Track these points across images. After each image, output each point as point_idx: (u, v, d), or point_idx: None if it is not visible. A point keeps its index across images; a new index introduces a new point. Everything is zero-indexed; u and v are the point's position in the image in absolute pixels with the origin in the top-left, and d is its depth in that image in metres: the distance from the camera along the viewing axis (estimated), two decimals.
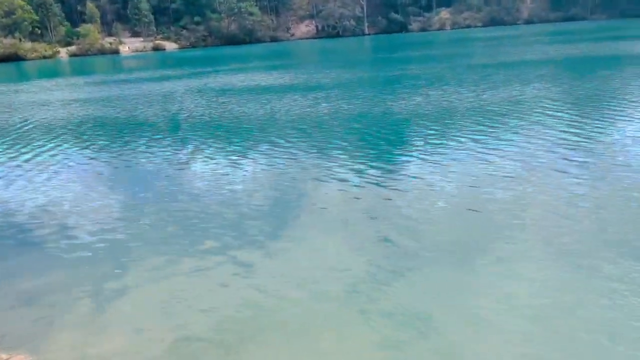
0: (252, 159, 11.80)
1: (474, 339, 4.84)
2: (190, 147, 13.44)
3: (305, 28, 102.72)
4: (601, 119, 13.38)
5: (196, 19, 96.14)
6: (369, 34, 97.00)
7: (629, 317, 4.96)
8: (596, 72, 22.78)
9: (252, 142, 13.51)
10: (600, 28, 61.52)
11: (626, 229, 6.76)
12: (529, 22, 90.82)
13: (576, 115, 13.98)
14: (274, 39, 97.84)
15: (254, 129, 15.38)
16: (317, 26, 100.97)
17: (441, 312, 5.27)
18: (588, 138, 11.43)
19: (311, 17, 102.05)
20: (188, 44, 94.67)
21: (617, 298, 5.26)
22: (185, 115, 18.84)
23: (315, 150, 12.11)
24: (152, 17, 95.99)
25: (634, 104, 14.99)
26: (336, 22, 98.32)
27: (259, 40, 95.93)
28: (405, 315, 5.27)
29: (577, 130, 12.17)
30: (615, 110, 14.36)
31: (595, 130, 12.17)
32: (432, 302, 5.47)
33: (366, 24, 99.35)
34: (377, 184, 9.32)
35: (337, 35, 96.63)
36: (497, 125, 13.43)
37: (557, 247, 6.43)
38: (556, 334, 4.83)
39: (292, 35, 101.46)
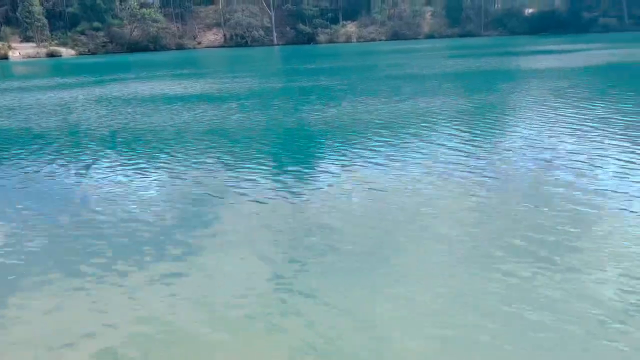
0: (157, 172, 11.26)
1: (379, 346, 4.95)
2: (89, 161, 12.50)
3: (212, 36, 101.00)
4: (498, 128, 14.23)
5: (95, 24, 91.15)
6: (277, 44, 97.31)
7: (522, 310, 5.34)
8: (493, 85, 24.32)
9: (158, 155, 12.85)
10: (493, 44, 66.18)
11: (516, 232, 7.17)
12: (429, 36, 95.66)
13: (477, 126, 14.74)
14: (180, 47, 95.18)
15: (161, 140, 14.66)
16: (225, 35, 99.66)
17: (346, 322, 5.31)
18: (487, 147, 12.14)
19: (218, 25, 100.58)
20: (87, 50, 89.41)
21: (513, 295, 5.56)
22: (85, 126, 17.58)
23: (225, 163, 11.81)
24: (45, 21, 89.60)
25: (527, 114, 16.10)
26: (244, 32, 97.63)
27: (164, 48, 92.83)
28: (312, 329, 5.22)
29: (480, 140, 12.85)
30: (510, 120, 15.34)
31: (493, 139, 12.90)
32: (337, 314, 5.46)
33: (275, 35, 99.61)
34: (285, 196, 9.24)
35: (246, 45, 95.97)
36: (405, 135, 13.87)
37: (457, 251, 6.71)
38: (459, 333, 5.03)
39: (199, 43, 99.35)
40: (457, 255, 6.62)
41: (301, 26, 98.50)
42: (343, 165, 11.07)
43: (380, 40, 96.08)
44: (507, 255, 6.56)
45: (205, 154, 12.72)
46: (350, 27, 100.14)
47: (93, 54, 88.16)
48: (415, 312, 5.46)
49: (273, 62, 55.35)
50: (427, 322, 5.28)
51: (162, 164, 11.89)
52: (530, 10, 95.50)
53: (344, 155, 11.99)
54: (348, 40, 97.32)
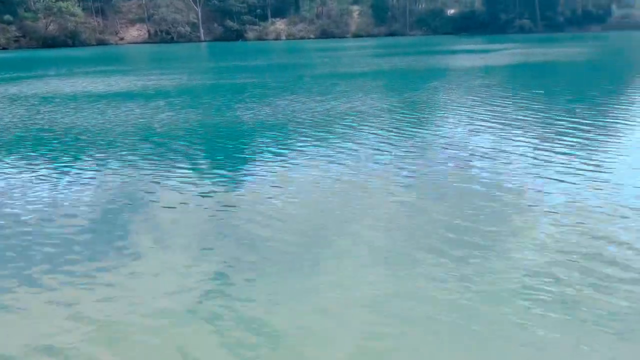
0: (82, 173, 10.81)
1: (308, 341, 5.07)
2: (6, 164, 11.76)
3: (136, 32, 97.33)
4: (420, 127, 14.77)
5: (6, 17, 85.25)
6: (204, 41, 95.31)
7: (444, 305, 5.58)
8: (417, 83, 25.14)
9: (83, 156, 12.31)
10: (417, 43, 68.27)
11: (435, 233, 7.44)
12: (356, 35, 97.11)
13: (401, 125, 15.21)
14: (101, 43, 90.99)
15: (85, 141, 14.02)
16: (149, 31, 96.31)
17: (277, 319, 5.40)
18: (410, 146, 12.56)
19: (142, 21, 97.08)
20: None
21: (431, 298, 5.78)
22: None
23: (154, 162, 11.51)
24: None
25: (448, 112, 16.81)
26: (170, 27, 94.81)
27: (83, 44, 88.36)
28: (249, 327, 5.27)
29: (403, 139, 13.27)
30: (432, 118, 15.97)
31: (416, 138, 13.37)
32: (269, 311, 5.56)
33: (202, 31, 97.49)
34: (216, 196, 9.17)
35: (172, 41, 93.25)
36: (330, 135, 14.03)
37: (378, 254, 6.83)
38: (380, 340, 5.12)
39: (122, 39, 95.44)
40: (378, 258, 6.69)
41: (229, 23, 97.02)
42: (269, 166, 11.05)
43: (310, 38, 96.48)
44: (427, 256, 6.67)
45: (131, 154, 12.29)
46: (280, 25, 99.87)
47: (4, 49, 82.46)
48: (334, 319, 5.43)
49: (200, 58, 54.19)
50: (345, 328, 5.27)
51: (84, 166, 11.37)
52: (452, 11, 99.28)
53: (271, 155, 11.98)
54: (277, 37, 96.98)
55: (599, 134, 13.13)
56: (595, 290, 5.75)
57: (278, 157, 11.72)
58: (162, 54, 63.09)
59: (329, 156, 11.67)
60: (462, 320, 5.32)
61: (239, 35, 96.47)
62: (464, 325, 5.23)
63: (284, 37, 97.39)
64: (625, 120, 14.82)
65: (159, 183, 10.01)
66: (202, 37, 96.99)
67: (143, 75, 33.76)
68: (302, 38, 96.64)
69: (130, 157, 11.99)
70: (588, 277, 6.03)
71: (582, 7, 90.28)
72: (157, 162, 11.59)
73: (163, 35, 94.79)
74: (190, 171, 10.79)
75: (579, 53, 42.82)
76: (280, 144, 12.99)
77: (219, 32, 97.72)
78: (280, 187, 9.58)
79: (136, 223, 8.06)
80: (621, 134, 13.15)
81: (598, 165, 10.30)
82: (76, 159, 12.11)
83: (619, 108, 17.04)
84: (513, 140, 12.74)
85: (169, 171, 10.80)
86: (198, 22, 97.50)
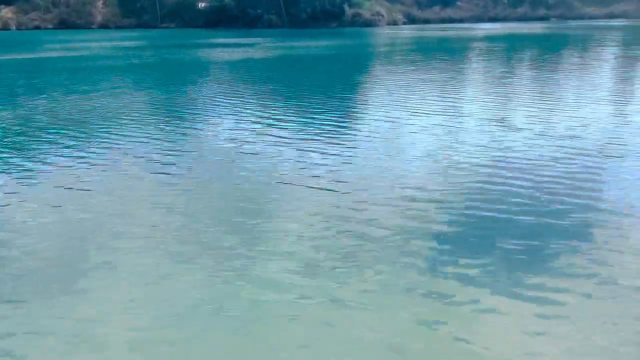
0: None
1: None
2: None
3: None
4: (183, 124, 14.41)
5: None
6: None
7: (226, 310, 5.46)
8: (175, 78, 24.42)
9: None
10: (170, 36, 66.52)
11: (220, 227, 7.39)
12: (103, 26, 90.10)
13: (168, 121, 14.58)
14: None
15: None
16: None
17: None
18: (177, 142, 12.15)
19: None
20: None
21: (208, 297, 5.70)
22: None
23: None
24: None
25: (207, 107, 16.72)
26: None
27: None
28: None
29: (168, 135, 12.74)
30: (191, 114, 15.71)
31: (182, 135, 12.98)
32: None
33: None
34: None
35: None
36: (90, 134, 12.94)
37: (148, 256, 6.60)
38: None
39: None
40: (147, 262, 6.44)
41: None
42: (28, 166, 9.91)
43: (47, 28, 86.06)
44: (198, 255, 6.57)
45: None
46: (6, 12, 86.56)
47: None
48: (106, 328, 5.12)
49: None
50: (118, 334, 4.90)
51: None
52: (203, 4, 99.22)
53: (33, 155, 10.77)
54: (5, 27, 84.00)
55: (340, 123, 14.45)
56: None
57: (37, 159, 10.60)
58: None
59: (94, 156, 10.96)
60: (247, 314, 5.19)
61: None
62: (249, 319, 5.11)
63: (13, 27, 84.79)
64: (363, 109, 16.64)
65: None
66: None
67: None
68: (37, 28, 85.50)
69: None
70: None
71: (320, 5, 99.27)
72: None
73: None
74: None
75: (326, 46, 46.98)
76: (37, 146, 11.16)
77: None
78: (45, 190, 8.82)
79: None
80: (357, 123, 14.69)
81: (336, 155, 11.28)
82: None
83: (358, 97, 19.08)
84: (271, 133, 13.18)
85: None
86: None
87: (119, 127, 13.94)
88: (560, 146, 11.44)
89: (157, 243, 6.96)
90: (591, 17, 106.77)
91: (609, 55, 34.87)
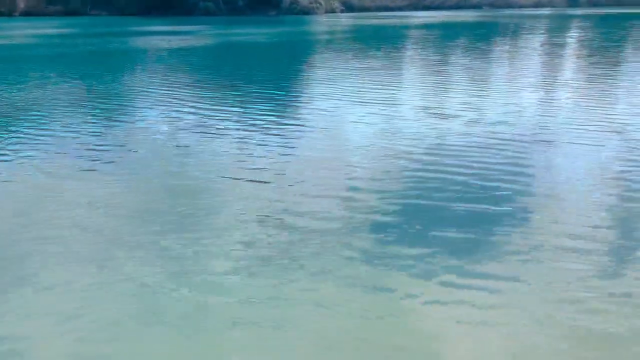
0: None
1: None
2: None
3: None
4: (120, 112, 13.82)
5: None
6: None
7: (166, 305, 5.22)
8: (130, 65, 23.37)
9: None
10: (103, 23, 63.73)
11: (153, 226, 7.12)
12: (27, 14, 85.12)
13: (95, 112, 13.93)
14: None
15: None
16: None
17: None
18: (110, 134, 11.58)
19: None
20: None
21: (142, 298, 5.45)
22: None
23: None
24: None
25: (142, 95, 16.11)
26: None
27: None
28: None
29: (104, 126, 12.18)
30: (129, 103, 15.09)
31: (118, 125, 12.43)
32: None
33: None
34: None
35: None
36: (25, 126, 12.03)
37: (75, 251, 6.20)
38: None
39: None
40: (75, 269, 6.09)
41: None
42: None
43: None
44: (132, 254, 6.33)
45: None
46: None
47: None
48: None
49: None
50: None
51: None
52: None
53: None
54: None
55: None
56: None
57: None
58: None
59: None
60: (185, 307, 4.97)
61: None
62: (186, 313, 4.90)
63: None
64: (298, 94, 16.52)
65: None
66: None
67: None
68: None
69: None
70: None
71: None
72: None
73: None
74: None
75: (265, 34, 46.32)
76: None
77: None
78: None
79: None
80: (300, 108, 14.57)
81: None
82: None
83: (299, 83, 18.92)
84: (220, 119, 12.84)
85: None
86: None
87: (45, 120, 13.18)
88: (494, 132, 11.79)
89: (85, 246, 6.58)
90: (521, 6, 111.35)
91: (537, 42, 36.40)
